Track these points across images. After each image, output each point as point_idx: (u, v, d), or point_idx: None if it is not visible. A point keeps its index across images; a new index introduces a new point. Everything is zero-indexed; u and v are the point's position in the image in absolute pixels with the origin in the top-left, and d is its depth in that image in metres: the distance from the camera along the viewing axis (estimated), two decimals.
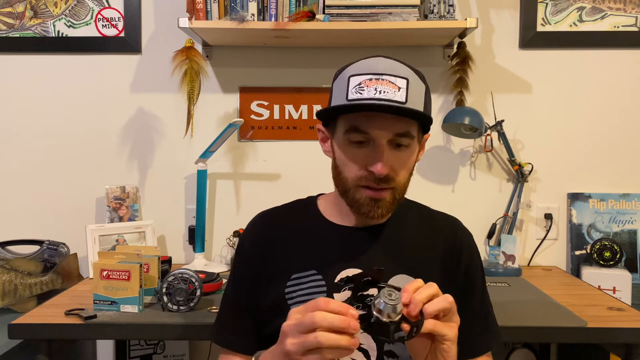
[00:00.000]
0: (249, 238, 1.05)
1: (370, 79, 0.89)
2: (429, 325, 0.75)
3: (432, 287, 0.78)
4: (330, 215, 1.03)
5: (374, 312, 0.74)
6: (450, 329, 0.78)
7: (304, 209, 1.06)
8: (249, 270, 1.02)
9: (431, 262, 0.99)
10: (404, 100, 0.88)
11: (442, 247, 1.01)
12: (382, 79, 0.89)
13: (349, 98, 0.90)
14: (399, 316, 0.74)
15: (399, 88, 0.88)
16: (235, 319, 1.02)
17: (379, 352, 0.92)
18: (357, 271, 0.95)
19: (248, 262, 1.02)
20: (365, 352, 0.92)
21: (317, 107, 1.91)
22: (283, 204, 1.10)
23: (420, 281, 0.79)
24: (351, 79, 0.91)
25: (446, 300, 0.77)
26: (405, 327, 0.75)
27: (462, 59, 1.83)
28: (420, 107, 0.91)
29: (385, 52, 1.97)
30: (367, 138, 0.90)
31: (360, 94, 0.88)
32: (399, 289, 0.76)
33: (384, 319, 0.73)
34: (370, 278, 0.79)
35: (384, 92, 0.88)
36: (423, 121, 0.93)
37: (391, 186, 0.92)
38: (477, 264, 1.04)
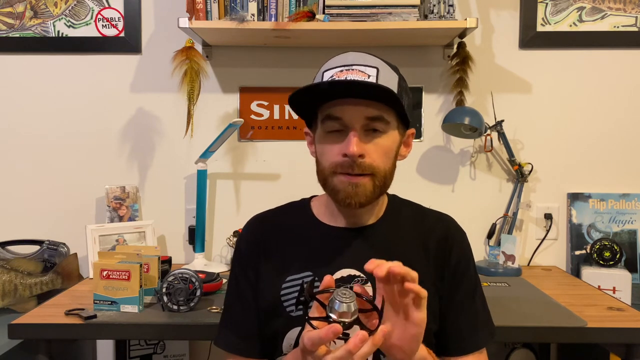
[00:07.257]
0: (244, 242, 1.06)
1: (341, 70, 0.92)
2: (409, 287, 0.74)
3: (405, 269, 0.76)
4: (323, 217, 1.03)
5: (331, 314, 0.73)
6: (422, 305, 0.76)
7: (297, 211, 1.07)
8: (246, 274, 1.02)
9: (424, 260, 0.99)
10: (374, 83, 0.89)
11: (434, 245, 1.01)
12: (353, 69, 0.91)
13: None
14: (355, 315, 0.73)
15: (369, 76, 0.90)
16: (239, 322, 1.02)
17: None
18: (351, 271, 0.96)
19: (245, 265, 1.03)
20: None
21: None
22: (276, 206, 1.10)
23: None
24: (324, 73, 0.95)
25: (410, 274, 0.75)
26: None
27: (462, 59, 1.83)
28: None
29: (385, 52, 1.97)
30: (342, 125, 0.91)
31: None
32: (351, 288, 0.75)
33: (343, 319, 0.73)
34: (307, 296, 0.78)
35: (354, 79, 0.90)
36: (396, 106, 0.92)
37: (368, 172, 0.92)
38: (469, 261, 1.03)
